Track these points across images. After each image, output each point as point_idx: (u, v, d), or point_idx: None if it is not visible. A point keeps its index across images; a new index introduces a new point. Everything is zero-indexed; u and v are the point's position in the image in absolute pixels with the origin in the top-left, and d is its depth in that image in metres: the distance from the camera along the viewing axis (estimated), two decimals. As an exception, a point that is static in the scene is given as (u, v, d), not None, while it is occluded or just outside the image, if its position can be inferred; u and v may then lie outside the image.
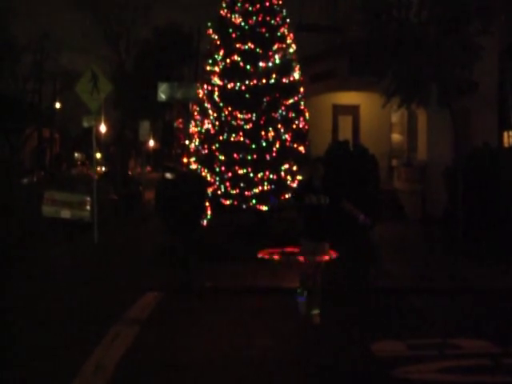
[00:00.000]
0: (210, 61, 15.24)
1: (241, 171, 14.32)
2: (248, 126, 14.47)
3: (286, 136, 14.67)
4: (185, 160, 15.69)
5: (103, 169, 50.68)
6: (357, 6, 12.93)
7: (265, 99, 14.63)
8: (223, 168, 14.47)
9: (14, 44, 43.18)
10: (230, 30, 14.89)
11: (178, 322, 8.56)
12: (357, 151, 14.75)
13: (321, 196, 8.40)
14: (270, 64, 14.77)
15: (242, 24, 14.87)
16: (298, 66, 15.44)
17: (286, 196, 14.33)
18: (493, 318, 8.90)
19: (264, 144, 14.43)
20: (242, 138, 14.44)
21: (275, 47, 14.90)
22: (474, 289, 10.60)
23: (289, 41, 15.23)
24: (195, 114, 15.65)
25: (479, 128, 17.91)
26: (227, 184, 14.40)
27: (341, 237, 9.02)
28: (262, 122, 14.51)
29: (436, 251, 13.91)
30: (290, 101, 14.95)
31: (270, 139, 14.48)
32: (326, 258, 8.47)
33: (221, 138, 14.61)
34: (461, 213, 12.28)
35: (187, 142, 15.98)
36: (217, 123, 14.76)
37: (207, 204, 14.38)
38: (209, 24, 15.80)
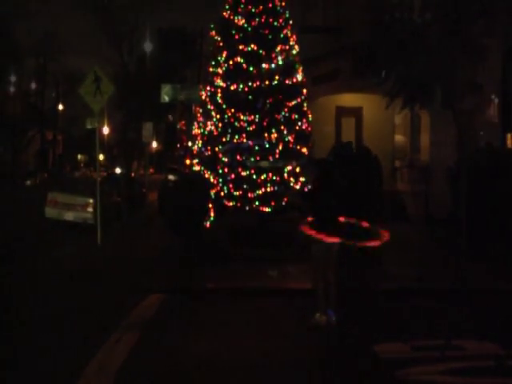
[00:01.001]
0: (213, 62, 15.24)
1: (244, 173, 14.32)
2: (251, 128, 14.47)
3: (289, 138, 14.67)
4: (188, 162, 15.70)
5: (120, 170, 50.48)
6: (360, 7, 12.91)
7: (268, 101, 14.62)
8: (226, 170, 14.47)
9: (17, 46, 43.32)
10: (233, 32, 14.90)
11: (181, 324, 8.56)
12: (360, 152, 14.73)
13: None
14: (273, 66, 14.77)
15: (245, 26, 14.87)
16: (300, 68, 15.43)
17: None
18: (496, 320, 8.88)
19: (267, 146, 14.43)
20: (245, 140, 14.45)
21: (278, 49, 14.90)
22: (478, 290, 10.58)
23: (292, 42, 15.23)
24: (198, 115, 15.66)
25: (482, 129, 17.89)
26: (230, 186, 14.40)
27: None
28: (264, 124, 14.51)
29: (439, 252, 13.89)
30: (293, 102, 14.94)
31: (273, 141, 14.48)
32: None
33: (224, 139, 14.62)
34: (463, 213, 12.25)
35: (190, 144, 15.98)
36: (220, 125, 14.76)
37: (210, 206, 14.38)
38: (212, 26, 15.81)
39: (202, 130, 15.21)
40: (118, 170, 50.14)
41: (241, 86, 14.63)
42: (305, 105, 15.32)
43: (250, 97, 14.57)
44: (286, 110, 14.78)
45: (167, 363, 6.85)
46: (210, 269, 11.94)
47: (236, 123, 14.57)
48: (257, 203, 14.28)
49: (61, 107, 52.87)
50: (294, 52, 15.28)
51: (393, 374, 6.52)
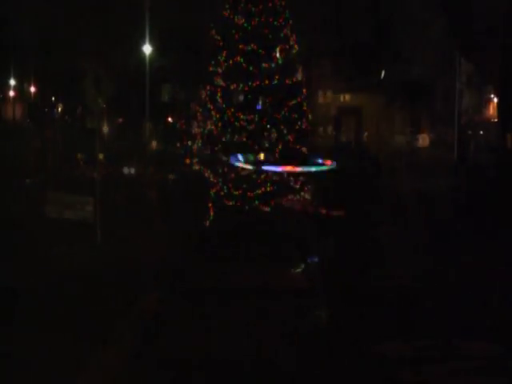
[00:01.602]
0: (213, 62, 15.24)
1: (243, 172, 14.31)
2: (251, 127, 14.49)
3: (289, 137, 14.68)
4: (187, 161, 15.71)
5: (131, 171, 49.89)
6: (360, 8, 12.93)
7: (268, 100, 14.64)
8: (226, 169, 14.46)
9: (17, 44, 43.24)
10: (233, 31, 14.90)
11: (181, 323, 8.56)
12: (359, 151, 14.76)
13: None
14: (273, 65, 14.77)
15: (245, 25, 14.87)
16: (300, 67, 15.44)
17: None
18: (496, 320, 8.87)
19: (267, 145, 14.44)
20: (244, 139, 14.46)
21: (278, 48, 14.90)
22: (478, 290, 10.56)
23: (291, 42, 15.23)
24: (198, 114, 15.67)
25: (482, 129, 17.91)
26: (230, 185, 14.40)
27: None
28: (264, 123, 14.52)
29: (439, 251, 13.87)
30: (293, 102, 14.95)
31: (273, 140, 14.49)
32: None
33: (223, 138, 14.62)
34: (463, 212, 12.26)
35: (190, 143, 15.99)
36: (219, 124, 14.77)
37: (210, 205, 14.38)
38: (211, 25, 15.80)
39: (201, 130, 15.21)
40: (126, 170, 49.70)
41: (241, 85, 14.63)
42: (304, 104, 15.33)
43: (250, 96, 14.58)
44: (285, 109, 14.79)
45: (167, 362, 6.85)
46: (209, 268, 11.93)
47: (236, 122, 14.58)
48: (256, 202, 14.29)
49: (60, 106, 52.86)
50: (294, 51, 15.29)
51: (393, 373, 6.52)
